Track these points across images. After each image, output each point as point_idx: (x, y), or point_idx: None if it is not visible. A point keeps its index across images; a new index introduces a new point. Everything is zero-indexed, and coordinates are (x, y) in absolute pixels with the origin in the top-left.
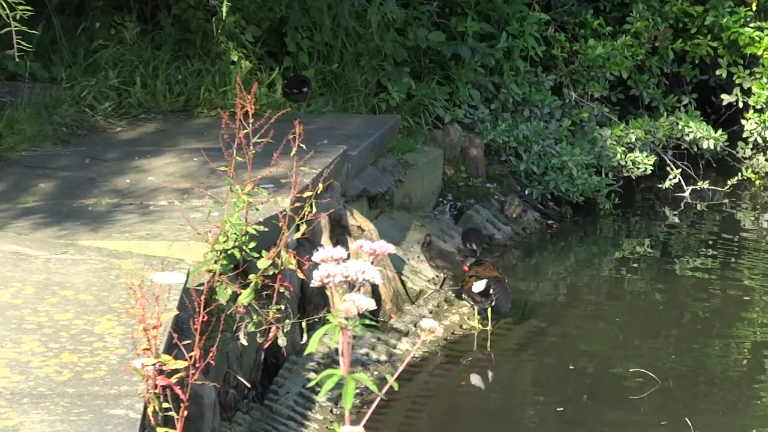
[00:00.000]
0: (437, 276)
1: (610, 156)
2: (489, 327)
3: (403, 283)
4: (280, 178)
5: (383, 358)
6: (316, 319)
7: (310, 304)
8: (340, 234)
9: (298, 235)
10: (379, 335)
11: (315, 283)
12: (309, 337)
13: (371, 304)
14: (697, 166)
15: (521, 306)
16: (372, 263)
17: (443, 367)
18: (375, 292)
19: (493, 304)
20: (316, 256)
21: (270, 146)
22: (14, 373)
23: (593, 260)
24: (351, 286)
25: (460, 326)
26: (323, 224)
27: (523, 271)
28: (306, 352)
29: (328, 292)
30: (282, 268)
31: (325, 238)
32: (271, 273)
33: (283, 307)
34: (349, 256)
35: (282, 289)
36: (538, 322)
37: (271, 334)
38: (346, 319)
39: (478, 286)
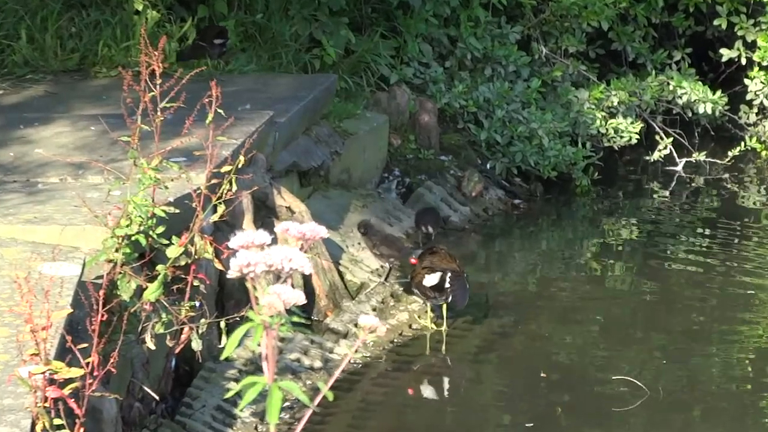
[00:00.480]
0: (382, 266)
1: (588, 123)
2: (444, 327)
3: (341, 274)
4: (194, 150)
5: (317, 364)
6: (238, 318)
7: (230, 300)
8: (266, 216)
9: (215, 217)
10: (313, 337)
11: (233, 273)
12: (228, 340)
13: (300, 299)
14: (691, 135)
15: (482, 302)
16: (301, 249)
17: (389, 375)
18: (307, 286)
19: (449, 300)
20: (235, 242)
21: (182, 112)
22: None
23: (568, 247)
24: (276, 277)
25: (410, 326)
26: (245, 205)
27: (484, 261)
28: (223, 357)
29: (248, 285)
30: (196, 257)
31: (247, 221)
32: (183, 263)
33: (197, 304)
34: (275, 241)
35: (196, 283)
36: (503, 322)
37: (183, 337)
38: (271, 316)
39: (431, 279)
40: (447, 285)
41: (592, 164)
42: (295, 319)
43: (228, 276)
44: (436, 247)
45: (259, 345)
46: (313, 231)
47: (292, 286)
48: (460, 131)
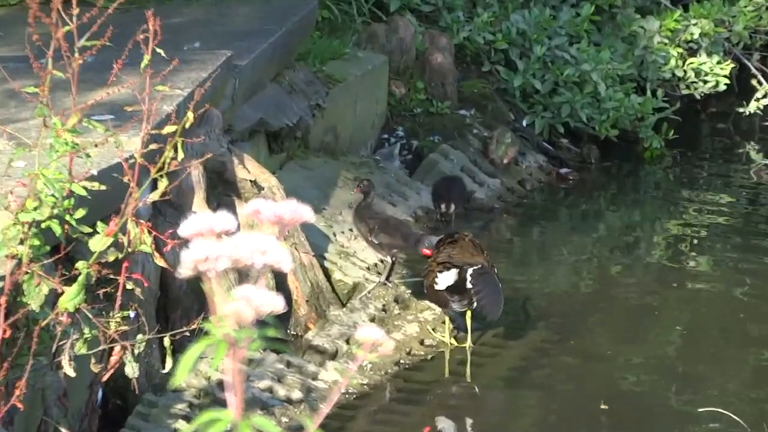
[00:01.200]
0: (382, 261)
1: (660, 63)
2: (468, 344)
3: (327, 272)
4: (125, 104)
5: (296, 395)
6: (187, 333)
7: (177, 308)
8: (224, 194)
9: (154, 196)
10: (290, 358)
11: (184, 272)
12: (175, 363)
13: (279, 305)
14: None
15: (519, 309)
16: (277, 239)
17: (394, 410)
18: (282, 289)
19: (473, 306)
20: (185, 228)
21: (107, 53)
22: None
23: (634, 234)
24: (243, 276)
25: (422, 342)
26: (195, 179)
27: (520, 253)
28: (171, 387)
29: (205, 287)
30: (129, 250)
31: (198, 201)
32: (112, 259)
33: (132, 315)
34: (239, 227)
35: (130, 285)
36: (547, 336)
37: (113, 359)
38: (237, 330)
39: (446, 278)
40: (470, 287)
41: (665, 119)
42: (271, 333)
43: (177, 275)
44: (458, 234)
45: (219, 369)
46: (294, 213)
47: (265, 288)
48: (485, 76)
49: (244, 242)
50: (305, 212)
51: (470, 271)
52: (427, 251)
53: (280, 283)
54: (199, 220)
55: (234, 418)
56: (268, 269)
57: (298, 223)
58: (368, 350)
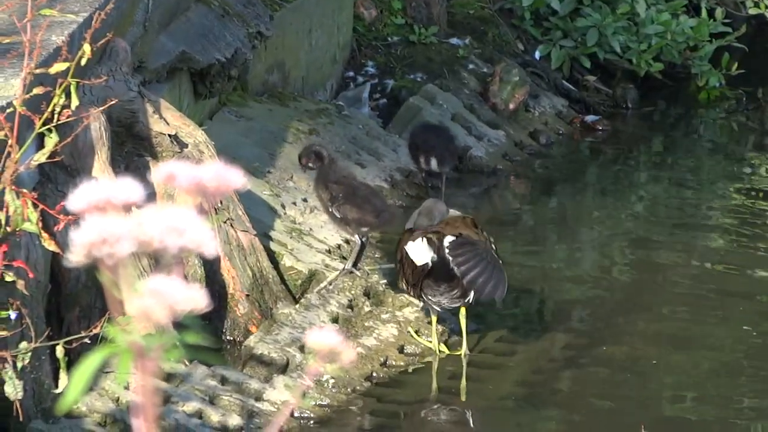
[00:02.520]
0: (348, 242)
1: None
2: (463, 351)
3: (273, 258)
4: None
5: (234, 420)
6: (87, 341)
7: (74, 307)
8: (134, 153)
9: (41, 156)
10: (225, 372)
11: (75, 258)
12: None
13: (201, 300)
14: None
15: (531, 306)
16: (201, 213)
17: None
18: (214, 280)
19: (468, 298)
20: (76, 200)
21: None
22: None
23: (685, 205)
24: (155, 262)
25: (401, 349)
26: (96, 133)
27: (533, 230)
28: (61, 411)
29: (103, 277)
30: (8, 229)
31: (100, 164)
32: None
33: (13, 316)
34: (151, 197)
35: (10, 277)
36: (568, 341)
37: None
38: (146, 335)
39: (418, 250)
40: (458, 266)
41: (727, 48)
42: (193, 338)
43: (66, 262)
44: (454, 216)
45: (127, 387)
46: (220, 178)
47: (185, 278)
48: None
49: (154, 219)
50: (234, 177)
51: (447, 241)
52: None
53: (211, 272)
54: (94, 188)
55: None
56: (188, 254)
57: (226, 191)
58: (325, 362)
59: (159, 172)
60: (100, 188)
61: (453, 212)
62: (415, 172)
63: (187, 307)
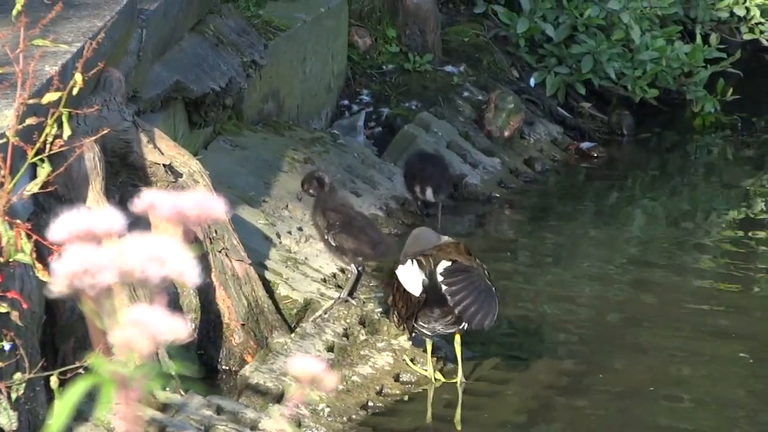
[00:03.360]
0: (343, 271)
1: None
2: (459, 378)
3: (269, 287)
4: None
5: None
6: (82, 371)
7: (69, 337)
8: (129, 182)
9: (34, 186)
10: (221, 401)
11: (57, 288)
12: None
13: (181, 330)
14: None
15: (528, 332)
16: (188, 241)
17: None
18: (209, 310)
19: (462, 325)
20: (57, 230)
21: None
22: None
23: (681, 231)
24: (137, 292)
25: (396, 378)
26: (90, 163)
27: (529, 257)
28: None
29: (84, 308)
30: (2, 260)
31: (94, 194)
32: None
33: (7, 347)
34: (136, 224)
35: (5, 308)
36: (569, 369)
37: None
38: (129, 365)
39: (408, 273)
40: (443, 287)
41: (721, 74)
42: (175, 368)
43: (48, 293)
44: (446, 242)
45: (104, 418)
46: (200, 207)
47: (180, 308)
48: (478, 20)
49: (136, 248)
50: (215, 206)
51: (441, 267)
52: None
53: (206, 301)
54: (76, 218)
55: None
56: (170, 283)
57: (207, 220)
58: (304, 386)
59: (140, 201)
60: (82, 218)
61: (445, 239)
62: (411, 200)
63: (170, 337)
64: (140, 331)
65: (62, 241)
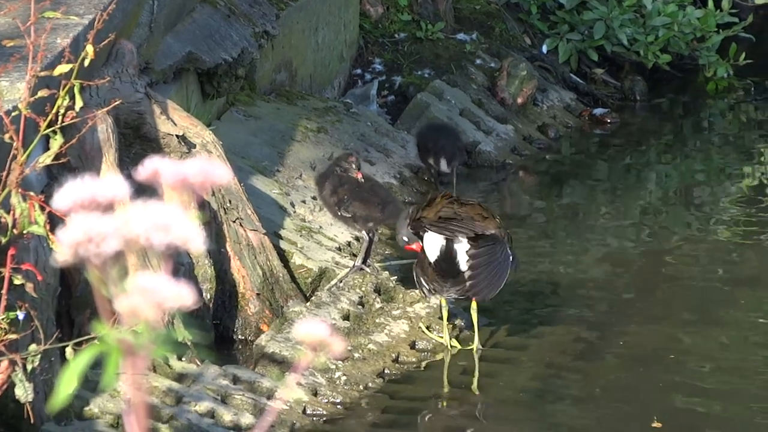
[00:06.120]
0: (357, 239)
1: None
2: (475, 346)
3: (284, 256)
4: (4, 37)
5: (247, 419)
6: (97, 341)
7: (84, 308)
8: (142, 154)
9: (46, 158)
10: (237, 371)
11: (61, 257)
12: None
13: (187, 297)
14: None
15: (543, 299)
16: (185, 208)
17: None
18: (225, 280)
19: (477, 291)
20: (61, 199)
21: None
22: None
23: (695, 197)
24: (146, 259)
25: (412, 345)
26: (103, 135)
27: (543, 224)
28: (52, 410)
29: (91, 276)
30: (15, 232)
31: (107, 164)
32: None
33: (21, 316)
34: (142, 191)
35: (18, 279)
36: (582, 335)
37: None
38: (136, 332)
39: (433, 243)
40: (463, 267)
41: (734, 39)
42: (184, 335)
43: (54, 262)
44: (462, 199)
45: (120, 388)
46: (204, 173)
47: (179, 273)
48: None
49: (140, 216)
50: (219, 172)
51: (466, 245)
52: (414, 245)
53: (221, 271)
54: (79, 187)
55: None
56: (179, 251)
57: (210, 186)
58: (311, 349)
59: (144, 169)
60: (83, 187)
61: (471, 200)
62: (424, 168)
63: (176, 305)
64: (146, 299)
65: (67, 209)
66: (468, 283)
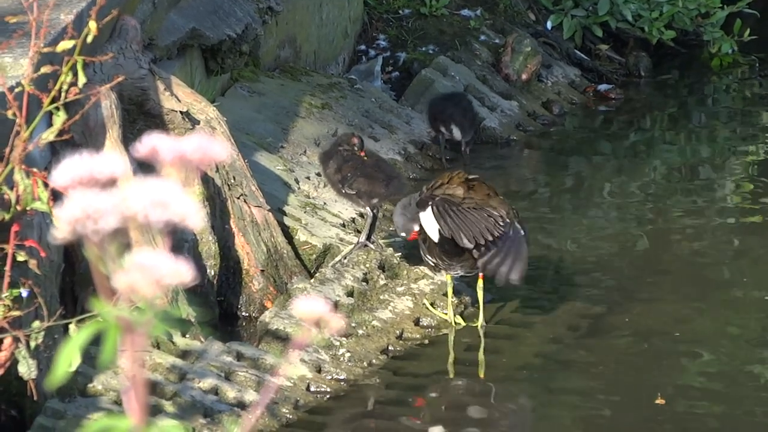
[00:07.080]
0: (362, 215)
1: None
2: (480, 322)
3: (288, 233)
4: (6, 14)
5: (250, 396)
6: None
7: (88, 285)
8: (146, 130)
9: (50, 135)
10: (241, 348)
11: (59, 234)
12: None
13: (185, 274)
14: None
15: (549, 276)
16: (183, 185)
17: (380, 413)
18: (228, 257)
19: (489, 269)
20: (59, 175)
21: None
22: None
23: (701, 173)
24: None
25: (416, 322)
26: (106, 111)
27: (548, 201)
28: (51, 387)
29: (89, 254)
30: (19, 208)
31: (111, 141)
32: None
33: (24, 294)
34: (146, 168)
35: (22, 256)
36: (589, 311)
37: (2, 356)
38: (134, 308)
39: (429, 221)
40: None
41: (739, 14)
42: (187, 311)
43: (52, 239)
44: (471, 178)
45: (120, 366)
46: (202, 150)
47: (183, 250)
48: None
49: (138, 192)
50: (218, 149)
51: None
52: (413, 234)
53: (225, 248)
54: (77, 163)
55: (133, 425)
56: (171, 227)
57: (209, 163)
58: (311, 325)
59: (142, 146)
60: (81, 163)
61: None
62: (429, 144)
63: (174, 281)
64: (144, 275)
65: (65, 186)
66: (491, 258)
